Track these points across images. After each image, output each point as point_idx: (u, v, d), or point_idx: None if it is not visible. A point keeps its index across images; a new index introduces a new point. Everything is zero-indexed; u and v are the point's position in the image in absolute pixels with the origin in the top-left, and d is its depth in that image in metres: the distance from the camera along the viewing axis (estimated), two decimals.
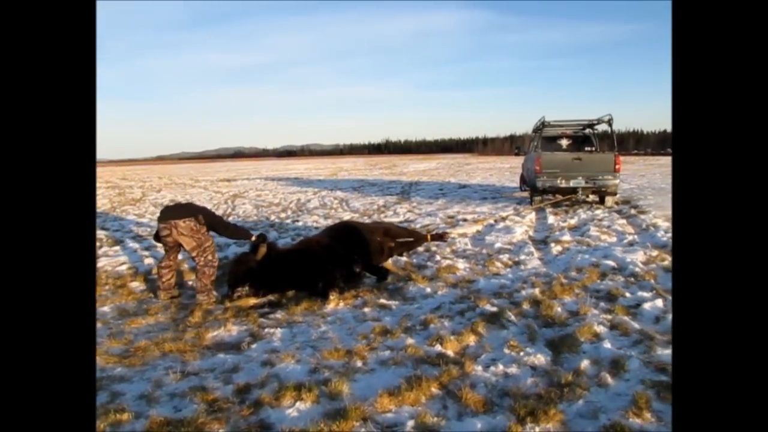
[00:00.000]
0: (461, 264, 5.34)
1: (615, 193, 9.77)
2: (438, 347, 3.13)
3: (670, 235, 6.33)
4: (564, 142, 11.00)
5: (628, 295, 4.05)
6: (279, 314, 4.00)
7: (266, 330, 3.61)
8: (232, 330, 3.66)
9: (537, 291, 4.19)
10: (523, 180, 12.41)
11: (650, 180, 16.48)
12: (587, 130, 11.10)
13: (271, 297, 4.51)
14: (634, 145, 76.76)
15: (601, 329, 3.33)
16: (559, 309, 3.77)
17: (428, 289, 4.50)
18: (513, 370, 2.82)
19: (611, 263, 5.05)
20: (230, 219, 9.67)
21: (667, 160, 37.06)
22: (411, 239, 5.99)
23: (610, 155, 9.71)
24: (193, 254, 4.49)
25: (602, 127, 10.94)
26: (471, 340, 3.25)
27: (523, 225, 7.69)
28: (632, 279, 4.54)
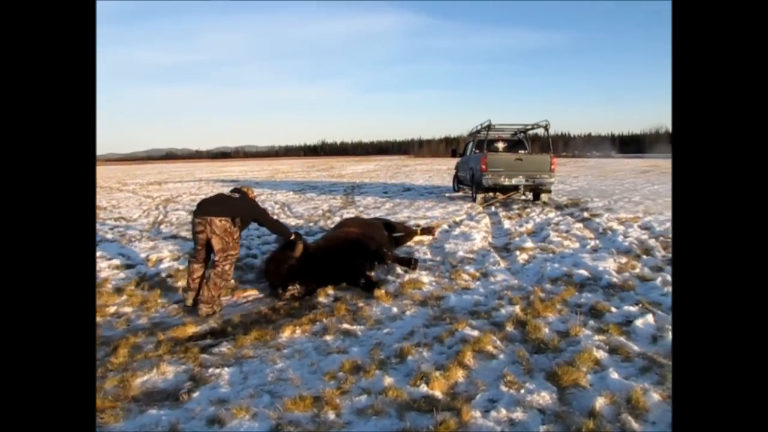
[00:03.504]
0: (425, 277, 4.86)
1: (550, 191, 11.03)
2: (423, 387, 2.61)
3: (630, 239, 6.22)
4: (500, 145, 12.14)
5: (614, 309, 3.73)
6: (224, 347, 3.31)
7: (210, 370, 2.94)
8: (167, 372, 2.95)
9: (518, 309, 3.78)
10: (458, 180, 13.82)
11: (588, 182, 16.89)
12: (519, 135, 12.34)
13: (214, 324, 3.83)
14: (563, 148, 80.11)
15: (600, 354, 2.95)
16: (547, 330, 3.38)
17: (394, 309, 3.98)
18: (519, 414, 2.36)
19: (584, 272, 4.76)
20: (162, 227, 8.71)
21: (594, 162, 38.87)
22: (403, 233, 6.35)
23: (547, 157, 10.81)
24: (216, 257, 4.17)
25: (535, 131, 12.22)
26: (459, 375, 2.76)
27: (479, 230, 7.37)
28: (611, 290, 4.25)
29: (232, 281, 4.79)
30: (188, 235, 7.75)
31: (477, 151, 12.04)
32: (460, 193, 13.50)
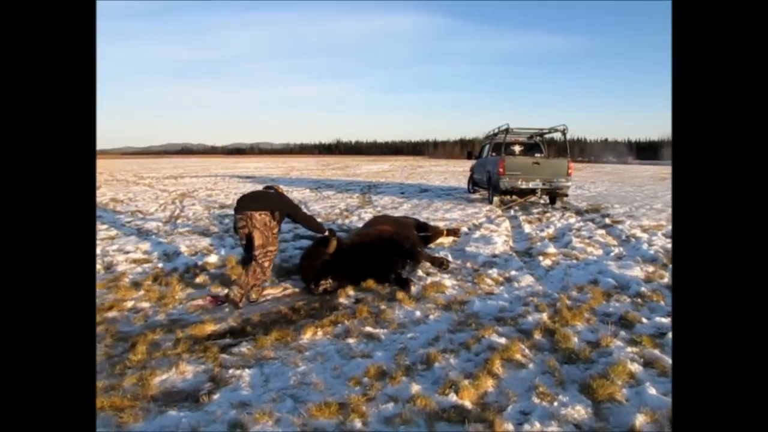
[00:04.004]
0: (448, 281, 4.77)
1: (566, 195, 11.08)
2: (452, 397, 2.52)
3: (655, 248, 6.06)
4: (517, 148, 12.15)
5: (644, 320, 3.60)
6: (244, 347, 3.25)
7: (230, 371, 2.88)
8: (186, 371, 2.89)
9: (545, 316, 3.66)
10: (474, 182, 13.78)
11: (607, 188, 16.62)
12: (536, 138, 12.37)
13: (233, 323, 3.76)
14: (579, 153, 79.24)
15: (635, 368, 2.83)
16: (576, 340, 3.27)
17: (417, 313, 3.89)
18: (554, 429, 2.25)
19: (610, 280, 4.63)
20: (179, 222, 8.70)
21: (611, 168, 38.37)
22: (430, 233, 6.41)
23: (564, 161, 10.91)
24: (256, 252, 4.25)
25: (551, 135, 12.32)
26: (489, 384, 2.66)
27: (500, 234, 7.25)
28: (639, 300, 4.11)
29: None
30: (205, 230, 7.73)
31: (494, 154, 12.06)
32: (477, 195, 13.47)
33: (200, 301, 4.32)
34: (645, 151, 78.31)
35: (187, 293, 4.57)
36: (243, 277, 4.20)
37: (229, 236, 7.15)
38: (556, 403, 2.46)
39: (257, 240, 4.25)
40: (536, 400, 2.49)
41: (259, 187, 5.02)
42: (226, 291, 4.23)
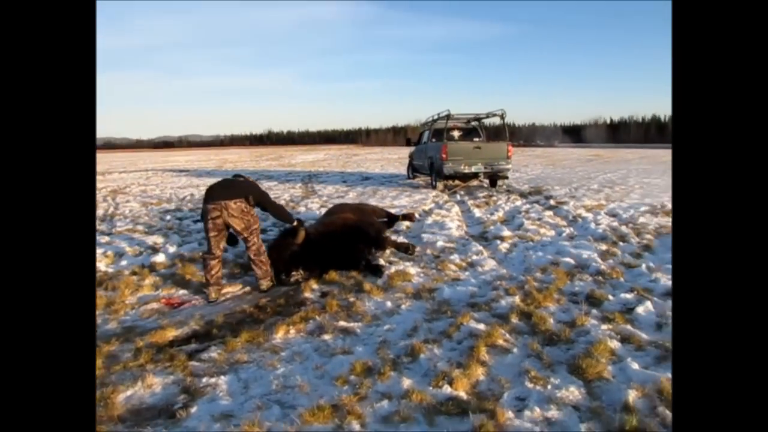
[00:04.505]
0: (412, 268, 4.70)
1: (507, 177, 11.47)
2: (447, 388, 2.45)
3: (602, 226, 6.32)
4: (456, 134, 12.46)
5: (611, 297, 3.72)
6: (214, 352, 3.02)
7: (204, 380, 2.65)
8: (153, 384, 2.63)
9: (517, 299, 3.69)
10: (414, 168, 14.23)
11: (542, 170, 17.27)
12: (473, 123, 12.72)
13: (195, 326, 3.50)
14: (510, 137, 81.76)
15: (614, 344, 2.90)
16: (552, 321, 3.31)
17: (388, 303, 3.80)
18: (554, 413, 2.24)
19: (569, 260, 4.76)
20: (116, 220, 8.09)
21: (541, 151, 40.02)
22: (386, 219, 6.43)
23: (504, 144, 11.21)
24: (244, 236, 4.25)
25: (488, 120, 12.83)
26: (479, 372, 2.62)
27: (452, 219, 7.30)
28: (601, 278, 4.25)
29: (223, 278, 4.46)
30: (147, 228, 7.23)
31: (434, 140, 12.25)
32: (420, 181, 13.69)
33: (155, 305, 4.00)
34: (569, 135, 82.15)
35: (138, 297, 4.22)
36: (258, 271, 4.27)
37: (174, 233, 6.73)
38: (549, 386, 2.46)
39: (238, 226, 4.20)
40: (529, 385, 2.48)
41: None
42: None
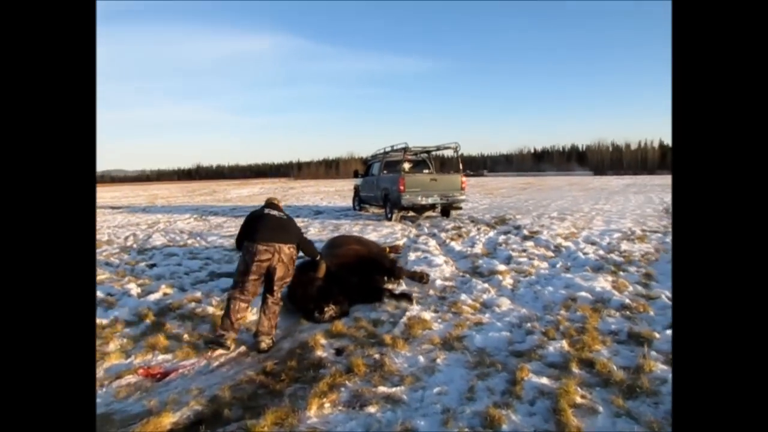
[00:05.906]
0: (425, 313, 4.24)
1: (460, 208, 11.78)
2: None
3: (590, 255, 6.22)
4: (406, 166, 12.48)
5: (656, 335, 3.46)
6: None
7: None
8: None
9: (565, 344, 3.34)
10: (361, 200, 14.51)
11: (493, 201, 17.49)
12: (422, 155, 12.98)
13: (197, 407, 2.81)
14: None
15: None
16: (615, 367, 2.98)
17: (421, 358, 3.32)
18: None
19: (586, 294, 4.53)
20: None
21: (474, 181, 41.17)
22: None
23: (458, 176, 11.52)
24: (277, 285, 3.82)
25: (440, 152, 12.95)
26: None
27: (434, 254, 6.94)
28: (628, 312, 4.02)
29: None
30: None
31: (386, 171, 12.34)
32: (373, 211, 13.89)
33: (131, 378, 3.26)
34: (497, 164, 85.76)
35: (105, 369, 3.43)
36: (266, 323, 3.73)
37: (129, 281, 5.81)
38: None
39: (279, 272, 3.82)
40: None
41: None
42: (223, 345, 3.63)
